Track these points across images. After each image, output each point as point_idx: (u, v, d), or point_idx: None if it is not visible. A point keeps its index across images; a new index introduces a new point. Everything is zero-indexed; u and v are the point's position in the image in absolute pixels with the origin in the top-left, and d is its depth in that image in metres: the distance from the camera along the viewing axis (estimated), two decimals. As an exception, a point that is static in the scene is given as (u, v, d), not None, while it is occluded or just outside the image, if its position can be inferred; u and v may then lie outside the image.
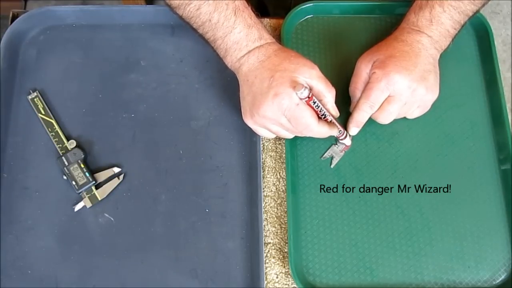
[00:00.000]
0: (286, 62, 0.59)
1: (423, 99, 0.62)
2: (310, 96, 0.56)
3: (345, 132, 0.64)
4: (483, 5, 0.65)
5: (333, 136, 0.64)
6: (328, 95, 0.60)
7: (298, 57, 0.60)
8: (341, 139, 0.64)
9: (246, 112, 0.62)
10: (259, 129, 0.63)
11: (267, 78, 0.58)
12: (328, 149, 0.66)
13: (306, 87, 0.55)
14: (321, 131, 0.60)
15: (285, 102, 0.56)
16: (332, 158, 0.66)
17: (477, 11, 0.66)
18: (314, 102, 0.57)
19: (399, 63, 0.60)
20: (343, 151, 0.66)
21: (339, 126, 0.62)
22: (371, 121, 0.64)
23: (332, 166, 0.65)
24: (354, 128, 0.64)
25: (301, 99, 0.56)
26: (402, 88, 0.60)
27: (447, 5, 0.62)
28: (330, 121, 0.61)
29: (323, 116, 0.60)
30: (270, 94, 0.57)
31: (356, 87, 0.64)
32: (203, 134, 0.67)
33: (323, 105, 0.59)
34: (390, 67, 0.60)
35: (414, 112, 0.64)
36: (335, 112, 0.62)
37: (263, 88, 0.58)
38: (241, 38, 0.60)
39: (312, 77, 0.58)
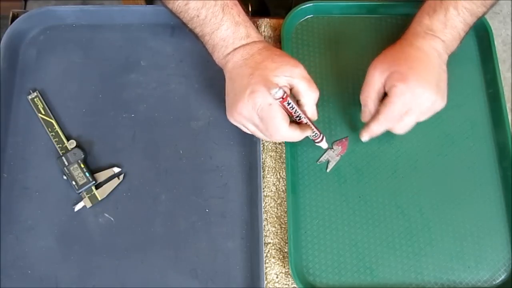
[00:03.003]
0: (269, 60, 0.58)
1: (437, 109, 0.62)
2: (284, 97, 0.55)
3: (322, 135, 0.63)
4: (492, 6, 0.64)
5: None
6: (308, 95, 0.59)
7: (282, 55, 0.59)
8: (317, 142, 0.63)
9: (227, 109, 0.61)
10: (242, 128, 0.62)
11: (247, 76, 0.58)
12: (324, 153, 0.66)
13: (280, 88, 0.54)
14: (292, 135, 0.59)
15: (259, 101, 0.56)
16: (328, 162, 0.65)
17: (485, 13, 0.64)
18: (289, 103, 0.56)
19: (421, 77, 0.59)
20: (339, 155, 0.65)
21: (314, 129, 0.61)
22: (371, 121, 0.64)
23: (328, 171, 0.65)
24: (367, 136, 0.63)
25: (275, 99, 0.55)
26: (425, 102, 0.59)
27: (461, 8, 0.61)
28: (306, 123, 0.59)
29: (298, 118, 0.59)
30: (247, 92, 0.57)
31: (369, 96, 0.62)
32: (203, 134, 0.67)
33: (300, 105, 0.58)
34: (413, 82, 0.58)
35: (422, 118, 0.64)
36: (312, 114, 0.60)
37: (242, 85, 0.58)
38: (227, 35, 0.60)
39: (293, 75, 0.57)
